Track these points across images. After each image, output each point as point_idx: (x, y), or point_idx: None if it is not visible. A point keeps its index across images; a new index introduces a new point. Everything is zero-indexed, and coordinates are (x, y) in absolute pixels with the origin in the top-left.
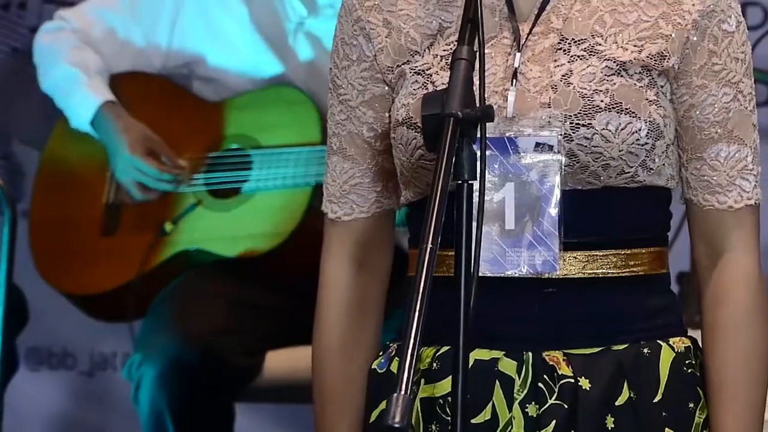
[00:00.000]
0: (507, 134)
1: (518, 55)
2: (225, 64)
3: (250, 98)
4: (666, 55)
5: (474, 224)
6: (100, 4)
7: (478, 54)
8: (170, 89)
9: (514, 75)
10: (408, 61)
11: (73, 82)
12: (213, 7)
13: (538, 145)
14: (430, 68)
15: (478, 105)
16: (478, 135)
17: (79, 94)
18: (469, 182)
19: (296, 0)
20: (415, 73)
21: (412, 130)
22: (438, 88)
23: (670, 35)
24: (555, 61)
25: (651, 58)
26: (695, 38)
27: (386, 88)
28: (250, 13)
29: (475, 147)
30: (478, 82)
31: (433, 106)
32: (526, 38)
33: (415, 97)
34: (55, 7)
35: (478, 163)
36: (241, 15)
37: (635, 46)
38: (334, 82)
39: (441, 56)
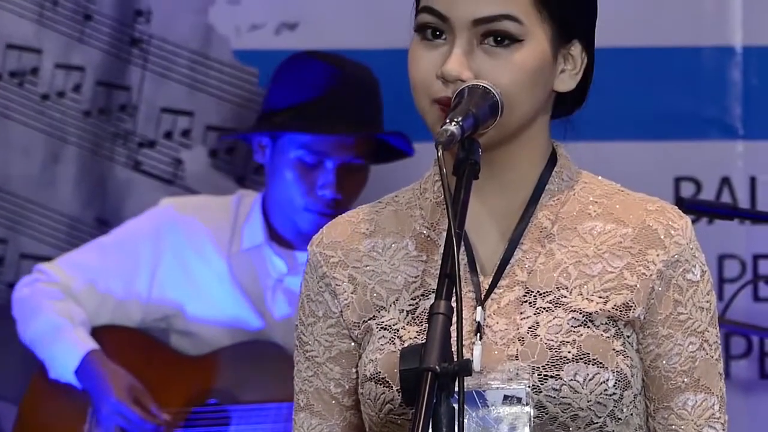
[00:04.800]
0: (475, 388)
1: (479, 309)
2: (204, 318)
3: (229, 353)
4: (631, 306)
5: None
6: (79, 258)
7: (455, 309)
8: (148, 343)
9: (479, 329)
10: (374, 316)
11: (57, 331)
12: (192, 261)
13: (506, 397)
14: (396, 323)
15: (455, 359)
16: (456, 389)
17: (63, 343)
18: None
19: (276, 257)
20: (381, 328)
21: (381, 385)
22: (405, 344)
23: (635, 286)
24: (521, 313)
25: (617, 309)
26: (660, 288)
27: (352, 344)
28: (230, 268)
29: (452, 400)
30: (454, 337)
31: (411, 361)
32: (492, 291)
33: (383, 352)
34: (32, 262)
35: (456, 418)
36: (220, 269)
37: (600, 297)
38: (300, 338)
39: (407, 311)
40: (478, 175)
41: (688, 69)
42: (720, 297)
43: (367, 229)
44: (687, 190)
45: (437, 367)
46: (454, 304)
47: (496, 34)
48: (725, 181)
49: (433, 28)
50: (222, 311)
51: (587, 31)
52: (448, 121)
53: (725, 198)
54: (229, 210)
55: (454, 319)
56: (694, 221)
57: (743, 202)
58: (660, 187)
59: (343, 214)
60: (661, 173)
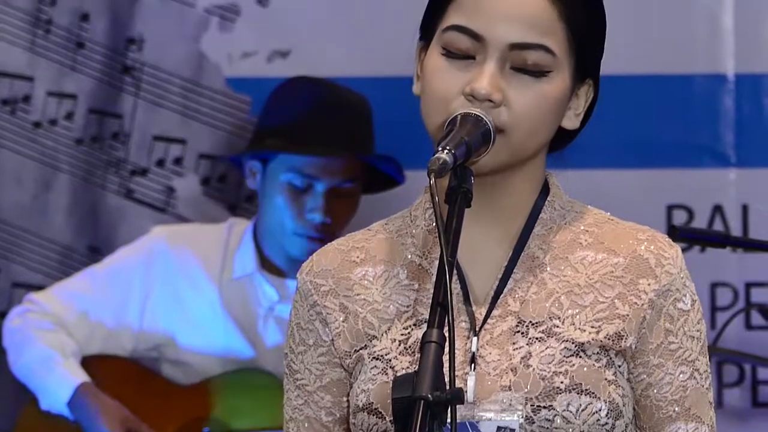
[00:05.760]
0: (468, 419)
1: (475, 339)
2: (195, 347)
3: (221, 382)
4: (623, 335)
5: None
6: (72, 287)
7: (448, 337)
8: (140, 373)
9: (473, 359)
10: (366, 345)
11: (49, 363)
12: (184, 290)
13: (499, 429)
14: (389, 353)
15: (448, 388)
16: (449, 418)
17: (55, 375)
18: None
19: (268, 285)
20: (373, 358)
21: (373, 415)
22: (398, 373)
23: (627, 315)
24: (513, 343)
25: (609, 339)
26: (651, 317)
27: (344, 372)
28: (221, 297)
29: (445, 429)
30: (447, 365)
31: (404, 389)
32: (485, 321)
33: (375, 382)
34: (24, 291)
35: None
36: (212, 298)
37: (592, 327)
38: (290, 367)
39: (399, 341)
40: (470, 203)
41: (680, 97)
42: (712, 325)
43: (358, 257)
44: (679, 218)
45: (429, 395)
46: (446, 333)
47: (528, 63)
48: (717, 209)
49: (461, 46)
50: (213, 340)
51: (598, 70)
52: (440, 149)
53: (717, 226)
54: (221, 238)
55: (447, 348)
56: (686, 249)
57: (735, 230)
58: (652, 215)
59: (333, 242)
60: (653, 201)
